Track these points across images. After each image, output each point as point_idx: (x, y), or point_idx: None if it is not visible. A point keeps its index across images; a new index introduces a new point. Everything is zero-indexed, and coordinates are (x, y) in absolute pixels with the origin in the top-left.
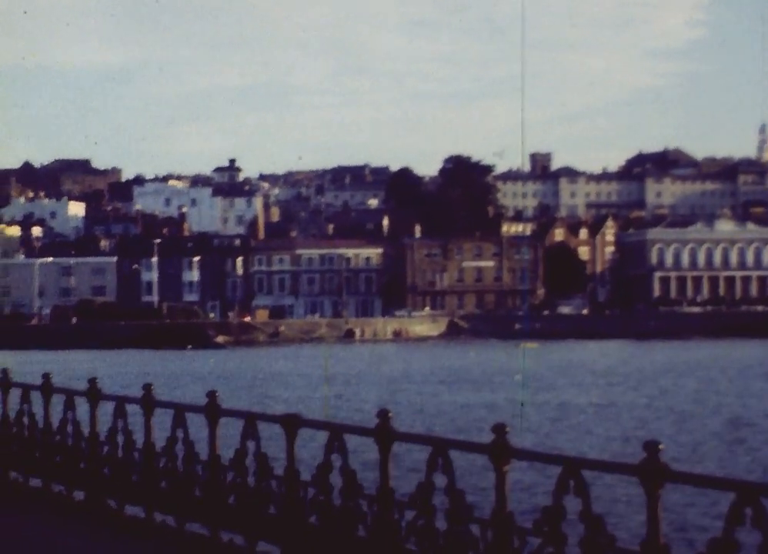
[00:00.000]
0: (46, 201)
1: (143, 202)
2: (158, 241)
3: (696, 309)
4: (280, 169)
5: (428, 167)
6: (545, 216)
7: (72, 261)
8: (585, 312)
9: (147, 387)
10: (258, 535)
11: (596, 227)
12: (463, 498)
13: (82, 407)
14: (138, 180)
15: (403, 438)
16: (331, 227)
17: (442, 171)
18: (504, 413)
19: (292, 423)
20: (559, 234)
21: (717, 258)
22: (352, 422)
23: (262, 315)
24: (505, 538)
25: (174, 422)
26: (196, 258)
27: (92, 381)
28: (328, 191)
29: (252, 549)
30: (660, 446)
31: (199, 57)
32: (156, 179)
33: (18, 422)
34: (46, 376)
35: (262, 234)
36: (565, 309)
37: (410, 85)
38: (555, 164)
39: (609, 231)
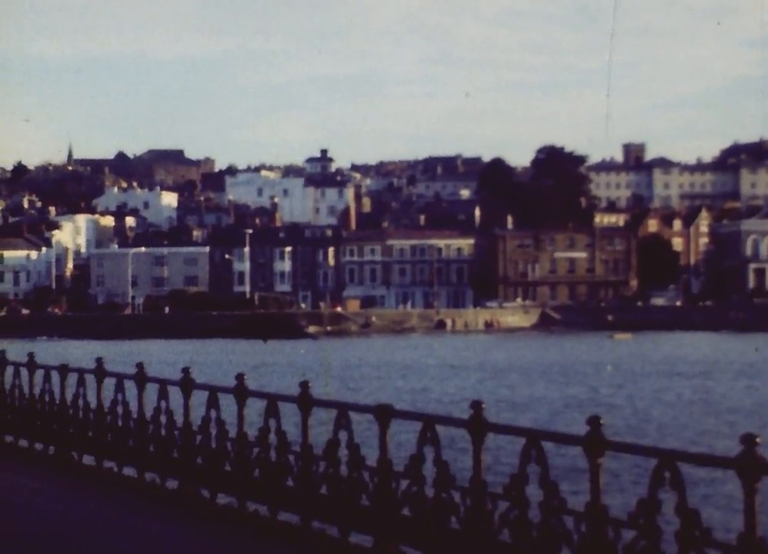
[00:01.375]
0: (139, 191)
1: (235, 192)
2: (250, 231)
3: None
4: (372, 159)
5: (520, 157)
6: (639, 207)
7: (165, 251)
8: (678, 303)
9: (240, 377)
10: (350, 525)
11: (689, 218)
12: (557, 490)
13: (176, 397)
14: (231, 170)
15: (496, 429)
16: (422, 217)
17: (535, 161)
18: (595, 405)
19: (384, 414)
20: (652, 225)
21: None
22: (444, 413)
23: (354, 306)
24: (599, 531)
25: (266, 412)
26: (288, 249)
27: (185, 371)
28: (420, 181)
29: (345, 539)
30: (757, 439)
31: (292, 47)
32: (249, 169)
33: (113, 412)
34: (140, 366)
35: (353, 224)
36: (658, 301)
37: (503, 75)
38: (649, 154)
39: (704, 223)
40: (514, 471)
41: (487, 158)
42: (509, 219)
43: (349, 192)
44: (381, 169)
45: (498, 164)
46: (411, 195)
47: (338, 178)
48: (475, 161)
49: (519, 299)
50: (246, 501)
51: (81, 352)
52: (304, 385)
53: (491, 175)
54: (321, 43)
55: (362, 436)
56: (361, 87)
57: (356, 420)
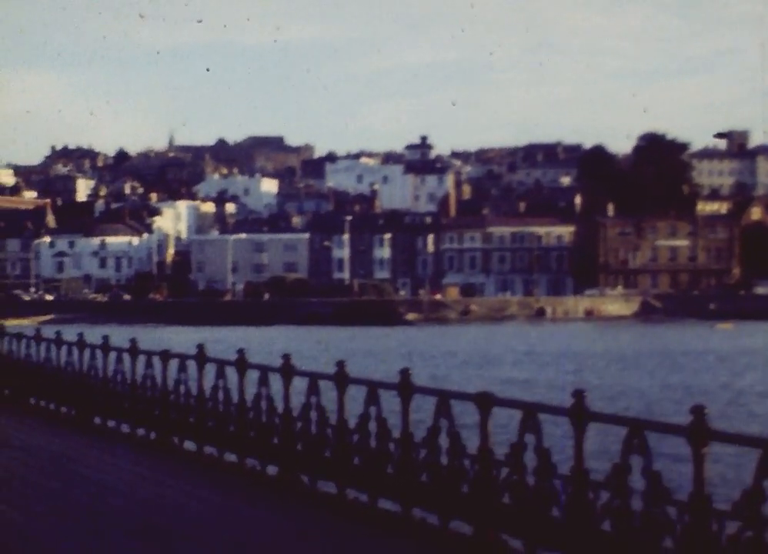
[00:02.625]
0: (240, 178)
1: (335, 179)
2: (350, 218)
3: None
4: (472, 146)
5: (621, 144)
6: (742, 195)
7: (265, 237)
8: None
9: (340, 364)
10: (450, 513)
11: None
12: (660, 480)
13: (276, 383)
14: (331, 157)
15: (598, 418)
16: (522, 205)
17: (636, 148)
18: (699, 395)
19: (485, 402)
20: (756, 213)
21: None
22: (545, 402)
23: (453, 293)
24: (703, 522)
25: (367, 399)
26: (387, 236)
27: (286, 357)
28: (520, 168)
29: (445, 528)
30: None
31: (394, 33)
32: (348, 156)
33: (213, 398)
34: (240, 352)
35: (453, 211)
36: (761, 290)
37: (604, 62)
38: (753, 141)
39: None
40: (617, 460)
41: (588, 145)
42: (610, 207)
43: (449, 179)
44: (481, 156)
45: (599, 151)
46: (511, 182)
47: (438, 165)
48: (575, 149)
49: (619, 287)
50: (346, 488)
51: (181, 338)
52: (404, 373)
53: (592, 162)
54: (422, 29)
55: (461, 424)
56: (462, 74)
57: (457, 407)
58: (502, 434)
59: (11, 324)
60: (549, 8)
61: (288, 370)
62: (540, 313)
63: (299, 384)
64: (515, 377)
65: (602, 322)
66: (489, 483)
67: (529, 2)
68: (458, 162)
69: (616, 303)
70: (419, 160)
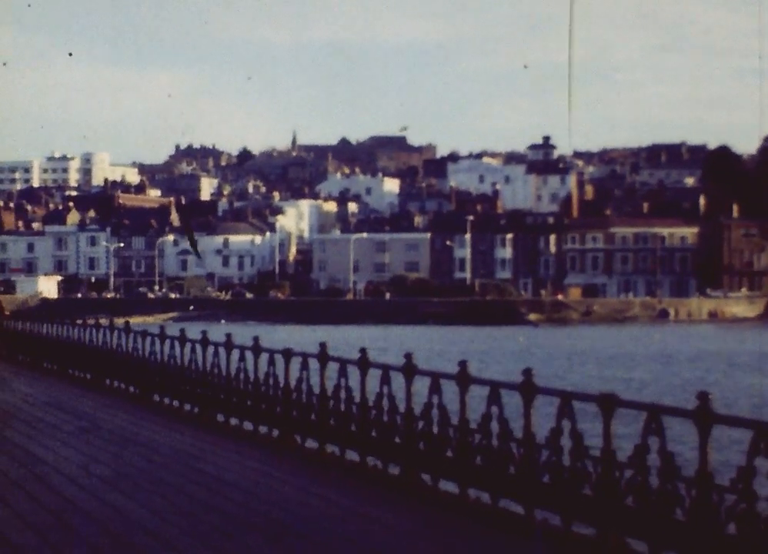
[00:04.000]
0: (362, 177)
1: (457, 179)
2: (472, 218)
3: None
4: (595, 147)
5: (747, 145)
6: None
7: (387, 237)
8: None
9: (462, 363)
10: (573, 514)
11: None
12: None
13: (398, 382)
14: (453, 157)
15: (724, 421)
16: (646, 205)
17: (762, 148)
18: None
19: (608, 403)
20: None
21: None
22: (669, 403)
23: (575, 294)
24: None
25: (489, 399)
26: (509, 236)
27: (408, 356)
28: (644, 169)
29: (567, 529)
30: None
31: (516, 33)
32: (470, 156)
33: (335, 396)
34: (363, 351)
35: (575, 212)
36: None
37: (729, 61)
38: None
39: None
40: (743, 464)
41: (712, 145)
42: (735, 207)
43: (572, 179)
44: (604, 156)
45: (724, 151)
46: (634, 183)
47: (561, 165)
48: (700, 149)
49: (743, 289)
50: (468, 488)
51: (303, 336)
52: (527, 373)
53: (716, 162)
54: (544, 29)
55: (583, 425)
56: (585, 73)
57: (579, 409)
58: (624, 435)
59: (136, 321)
60: (671, 5)
61: (410, 369)
62: (663, 314)
63: (421, 383)
64: (639, 378)
65: (726, 324)
66: (612, 485)
67: (655, 0)
68: (581, 162)
69: (740, 305)
70: (542, 160)
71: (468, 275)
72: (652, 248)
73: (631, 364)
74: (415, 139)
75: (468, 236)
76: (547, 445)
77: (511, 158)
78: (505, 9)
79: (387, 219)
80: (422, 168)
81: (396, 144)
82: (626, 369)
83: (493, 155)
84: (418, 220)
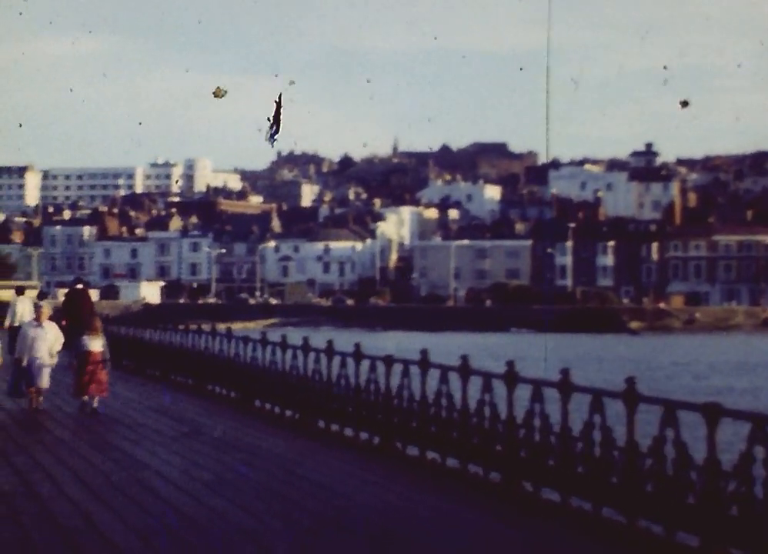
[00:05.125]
0: (463, 184)
1: (559, 186)
2: (573, 225)
3: None
4: (698, 154)
5: None
6: None
7: (488, 244)
8: None
9: (564, 371)
10: (676, 524)
11: None
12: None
13: (499, 389)
14: (554, 164)
15: None
16: (750, 213)
17: None
18: None
19: (713, 412)
20: None
21: None
22: None
23: (677, 302)
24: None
25: (591, 407)
26: (611, 243)
27: (510, 364)
28: (748, 176)
29: (671, 539)
30: None
31: (617, 39)
32: (572, 163)
33: (437, 403)
34: (464, 358)
35: (678, 219)
36: None
37: None
38: None
39: None
40: None
41: None
42: None
43: (674, 187)
44: (707, 164)
45: None
46: (738, 190)
47: (663, 172)
48: None
49: None
50: (570, 496)
51: (404, 343)
52: (630, 381)
53: None
54: (645, 35)
55: (687, 434)
56: (687, 80)
57: (684, 418)
58: (728, 445)
59: (238, 327)
60: None
61: (511, 377)
62: (767, 323)
63: (522, 391)
64: (742, 387)
65: None
66: (717, 495)
67: (757, 6)
68: (683, 170)
69: None
70: (644, 167)
71: (569, 282)
72: (756, 256)
73: (734, 373)
74: (516, 146)
75: (569, 243)
76: (650, 454)
77: (613, 165)
78: (607, 15)
79: (488, 226)
80: (523, 175)
81: (498, 151)
82: (729, 378)
83: (595, 162)
84: (519, 227)
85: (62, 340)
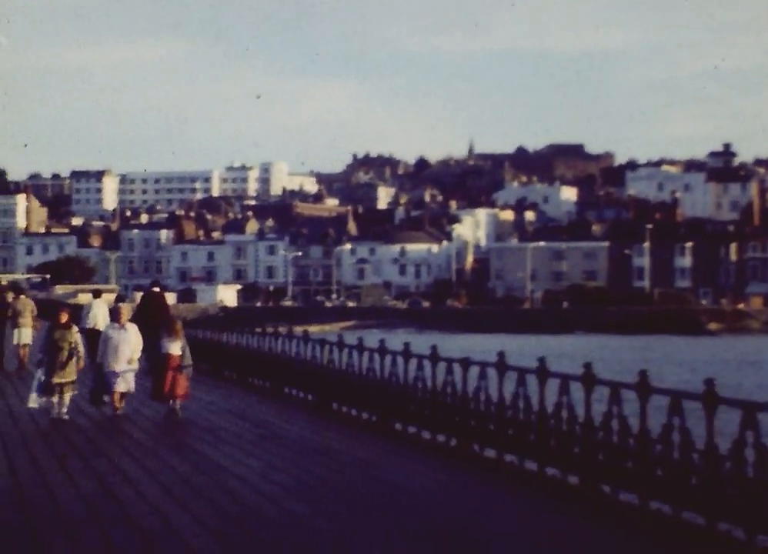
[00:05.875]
0: (539, 185)
1: (636, 187)
2: (650, 226)
3: None
4: None
5: None
6: None
7: (564, 245)
8: None
9: (642, 373)
10: (757, 527)
11: None
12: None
13: (577, 392)
14: (631, 165)
15: None
16: None
17: None
18: None
19: None
20: None
21: None
22: None
23: (756, 303)
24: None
25: (670, 409)
26: (689, 244)
27: (587, 366)
28: None
29: (751, 542)
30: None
31: (694, 39)
32: (649, 164)
33: (513, 405)
34: (541, 360)
35: (756, 220)
36: None
37: None
38: None
39: None
40: None
41: None
42: None
43: (753, 187)
44: None
45: None
46: None
47: (742, 172)
48: None
49: None
50: (649, 499)
51: (480, 345)
52: (709, 383)
53: None
54: (724, 35)
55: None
56: (766, 79)
57: (763, 421)
58: None
59: (315, 330)
60: None
61: (589, 379)
62: None
63: (600, 393)
64: None
65: None
66: None
67: None
68: (762, 170)
69: None
70: (722, 167)
71: (647, 283)
72: None
73: None
74: (592, 147)
75: (647, 245)
76: (730, 457)
77: (691, 165)
78: (684, 15)
79: (564, 228)
80: (600, 177)
81: (574, 152)
82: None
83: (672, 162)
84: (596, 228)
85: (142, 343)
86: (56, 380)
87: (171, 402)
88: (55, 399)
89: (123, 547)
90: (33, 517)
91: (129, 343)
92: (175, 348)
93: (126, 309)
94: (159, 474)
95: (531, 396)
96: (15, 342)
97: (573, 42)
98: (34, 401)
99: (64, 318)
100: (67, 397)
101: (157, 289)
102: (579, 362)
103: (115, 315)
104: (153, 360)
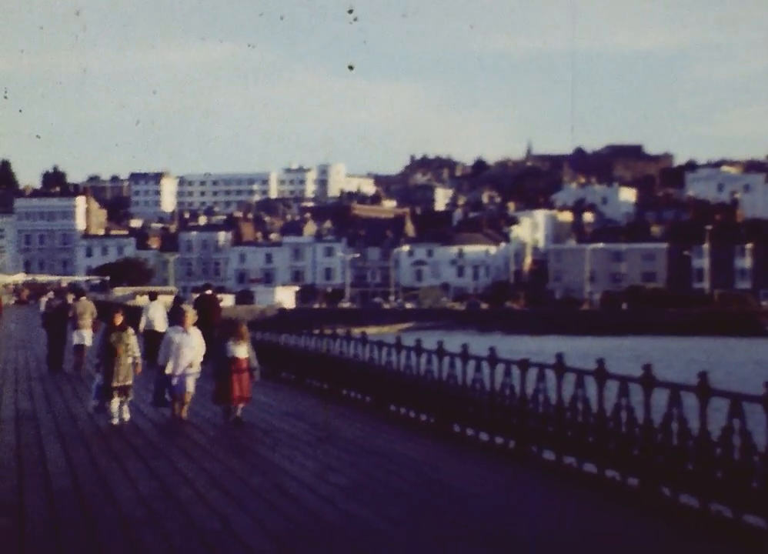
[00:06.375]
0: (597, 186)
1: (695, 188)
2: (710, 227)
3: None
4: None
5: None
6: None
7: (623, 247)
8: None
9: (702, 375)
10: None
11: None
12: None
13: (636, 394)
14: (691, 165)
15: None
16: None
17: None
18: None
19: None
20: None
21: None
22: None
23: None
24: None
25: (730, 412)
26: (749, 245)
27: (646, 367)
28: None
29: None
30: None
31: (755, 39)
32: (709, 165)
33: (572, 407)
34: (600, 362)
35: None
36: None
37: None
38: None
39: None
40: None
41: None
42: None
43: None
44: None
45: None
46: None
47: None
48: None
49: None
50: (709, 502)
51: (538, 346)
52: None
53: None
54: None
55: None
56: None
57: None
58: None
59: (372, 332)
60: None
61: (648, 381)
62: None
63: (660, 395)
64: None
65: None
66: None
67: None
68: None
69: None
70: None
71: (706, 285)
72: None
73: None
74: (652, 148)
75: (706, 246)
76: None
77: (751, 166)
78: (743, 15)
79: (623, 229)
80: (659, 178)
81: (633, 153)
82: None
83: (732, 163)
84: (655, 230)
85: (204, 348)
86: (114, 384)
87: (233, 405)
88: (115, 404)
89: (182, 548)
90: (92, 516)
91: (192, 347)
92: (242, 351)
93: (191, 313)
94: (218, 475)
95: (589, 398)
96: (74, 343)
97: (632, 42)
98: (94, 406)
99: (119, 320)
100: (125, 401)
101: (209, 292)
102: (638, 363)
103: (179, 318)
104: (216, 363)
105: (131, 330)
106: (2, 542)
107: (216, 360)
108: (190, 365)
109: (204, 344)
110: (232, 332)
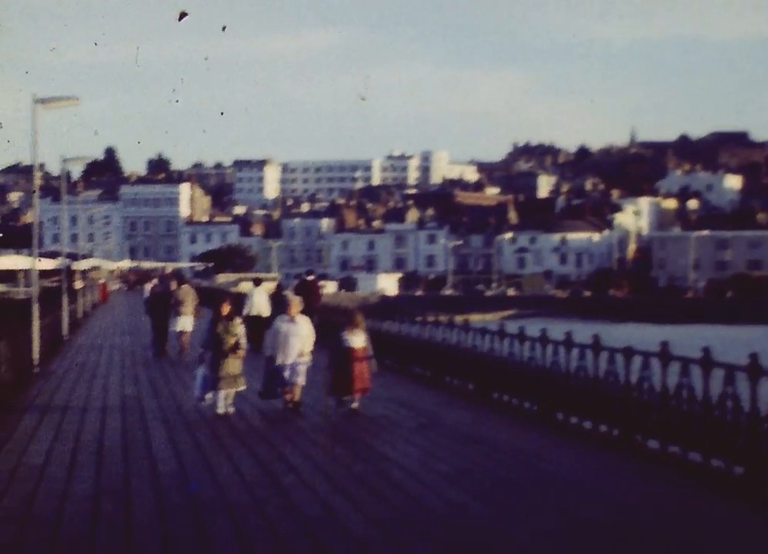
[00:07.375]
0: (702, 173)
1: None
2: None
3: None
4: None
5: None
6: None
7: (729, 234)
8: None
9: None
10: None
11: None
12: None
13: (742, 383)
14: None
15: None
16: None
17: None
18: None
19: None
20: None
21: None
22: None
23: None
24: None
25: None
26: None
27: (753, 356)
28: None
29: None
30: None
31: None
32: None
33: (677, 396)
34: (706, 350)
35: None
36: None
37: None
38: None
39: None
40: None
41: None
42: None
43: None
44: None
45: None
46: None
47: None
48: None
49: None
50: None
51: (642, 334)
52: None
53: None
54: None
55: None
56: None
57: None
58: None
59: (475, 319)
60: None
61: (755, 370)
62: None
63: (766, 385)
64: None
65: None
66: None
67: None
68: None
69: None
70: None
71: None
72: None
73: None
74: (758, 135)
75: None
76: None
77: None
78: None
79: (729, 216)
80: (765, 165)
81: (738, 140)
82: None
83: None
84: (761, 217)
85: (314, 336)
86: (222, 374)
87: (354, 396)
88: (222, 394)
89: (286, 533)
90: (197, 500)
91: (300, 336)
92: (358, 340)
93: (297, 301)
94: (322, 462)
95: (695, 386)
96: (177, 329)
97: (737, 28)
98: (197, 397)
99: (226, 309)
100: (233, 391)
101: (311, 277)
102: (743, 352)
103: (284, 306)
104: (331, 353)
105: (238, 320)
106: (110, 527)
107: (332, 350)
108: (300, 355)
109: (314, 333)
110: (347, 321)
